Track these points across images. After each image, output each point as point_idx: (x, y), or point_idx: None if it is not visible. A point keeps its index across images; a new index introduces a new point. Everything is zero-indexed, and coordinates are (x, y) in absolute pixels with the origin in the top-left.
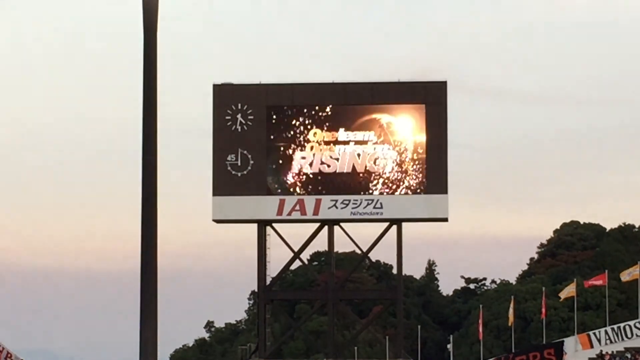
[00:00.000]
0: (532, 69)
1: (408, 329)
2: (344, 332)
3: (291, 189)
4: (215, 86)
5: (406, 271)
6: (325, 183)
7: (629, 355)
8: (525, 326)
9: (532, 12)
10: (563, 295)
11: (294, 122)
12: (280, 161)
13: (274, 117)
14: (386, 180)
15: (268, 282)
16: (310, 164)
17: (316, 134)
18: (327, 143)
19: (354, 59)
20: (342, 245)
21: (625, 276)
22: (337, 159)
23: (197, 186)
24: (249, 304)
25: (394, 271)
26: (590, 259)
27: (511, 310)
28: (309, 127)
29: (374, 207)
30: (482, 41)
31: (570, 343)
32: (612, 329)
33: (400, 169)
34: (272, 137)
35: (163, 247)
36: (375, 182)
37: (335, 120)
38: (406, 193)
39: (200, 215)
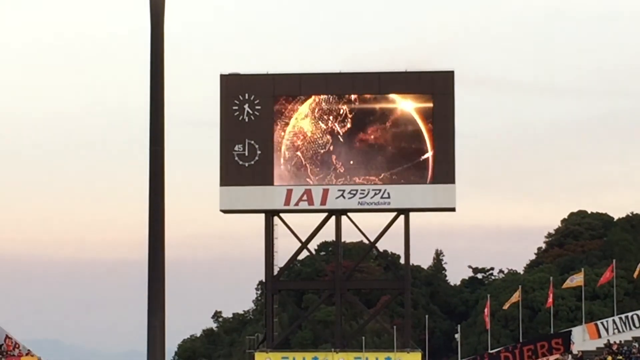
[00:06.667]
0: (540, 60)
1: (415, 318)
2: (351, 322)
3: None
4: (222, 76)
5: (414, 261)
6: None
7: (636, 345)
8: (533, 316)
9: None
10: (565, 285)
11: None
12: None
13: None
14: (392, 170)
15: (276, 272)
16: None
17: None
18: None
19: (360, 49)
20: (350, 235)
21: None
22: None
23: (205, 176)
24: (257, 294)
25: (402, 261)
26: (598, 248)
27: (513, 298)
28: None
29: (382, 197)
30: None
31: (578, 333)
32: (620, 319)
33: (407, 159)
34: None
35: (171, 237)
36: (382, 170)
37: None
38: (413, 183)
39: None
